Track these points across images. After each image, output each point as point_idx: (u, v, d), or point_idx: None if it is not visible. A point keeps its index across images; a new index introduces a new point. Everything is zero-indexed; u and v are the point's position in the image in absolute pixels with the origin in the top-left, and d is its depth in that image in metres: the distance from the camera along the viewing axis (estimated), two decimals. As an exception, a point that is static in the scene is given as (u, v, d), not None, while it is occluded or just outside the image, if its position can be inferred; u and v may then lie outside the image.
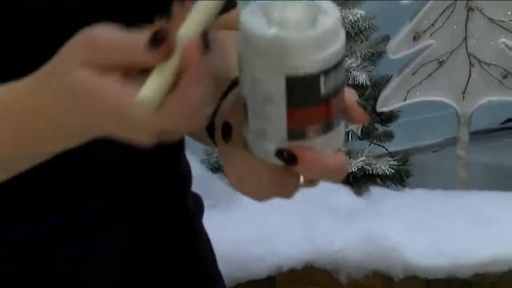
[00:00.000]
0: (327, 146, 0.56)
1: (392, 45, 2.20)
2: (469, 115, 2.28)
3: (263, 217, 2.12)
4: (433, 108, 2.38)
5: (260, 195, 0.68)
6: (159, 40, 0.54)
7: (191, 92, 0.56)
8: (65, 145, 0.66)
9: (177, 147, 1.01)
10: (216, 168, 2.27)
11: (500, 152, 2.70)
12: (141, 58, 0.55)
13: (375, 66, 2.40)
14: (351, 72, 2.13)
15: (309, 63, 0.54)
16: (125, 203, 0.92)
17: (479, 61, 2.20)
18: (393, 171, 2.28)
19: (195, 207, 1.09)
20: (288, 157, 0.59)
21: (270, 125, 0.58)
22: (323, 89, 0.55)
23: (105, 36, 0.57)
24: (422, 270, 2.12)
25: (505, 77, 2.20)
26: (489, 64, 2.21)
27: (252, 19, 0.58)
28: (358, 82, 2.27)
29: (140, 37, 0.54)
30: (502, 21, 2.16)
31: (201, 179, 2.15)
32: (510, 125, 2.81)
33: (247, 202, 2.03)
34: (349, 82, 2.32)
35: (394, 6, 2.15)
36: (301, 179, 0.62)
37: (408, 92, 2.27)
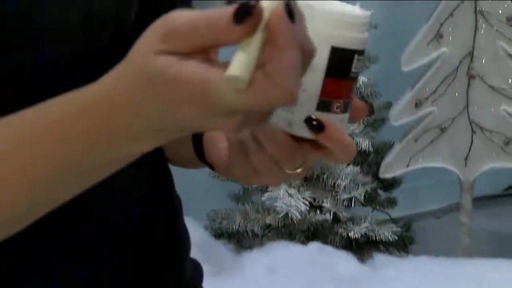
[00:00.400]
0: (341, 125, 0.59)
1: (394, 111, 2.21)
2: (472, 181, 2.29)
3: (266, 283, 2.11)
4: (435, 174, 2.38)
5: (271, 176, 0.69)
6: (243, 14, 0.52)
7: (280, 63, 0.52)
8: (145, 146, 0.62)
9: (174, 211, 0.94)
10: (219, 234, 2.23)
11: (502, 218, 2.72)
12: (225, 36, 0.53)
13: (378, 132, 2.38)
14: (353, 138, 2.11)
15: (352, 39, 0.58)
16: (119, 267, 0.85)
17: (481, 128, 2.21)
18: (396, 237, 2.28)
19: (194, 274, 1.13)
20: (317, 125, 0.61)
21: (304, 94, 0.59)
22: (353, 67, 0.59)
23: (184, 19, 0.55)
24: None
25: (507, 144, 2.27)
26: (490, 131, 2.23)
27: None
28: (361, 148, 2.27)
29: (222, 14, 0.52)
30: (503, 89, 2.15)
31: (204, 245, 2.19)
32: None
33: (250, 268, 2.02)
34: None
35: (396, 73, 2.16)
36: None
37: (410, 158, 2.28)
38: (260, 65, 0.51)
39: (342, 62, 0.60)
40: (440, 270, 2.20)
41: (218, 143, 0.78)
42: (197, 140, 0.81)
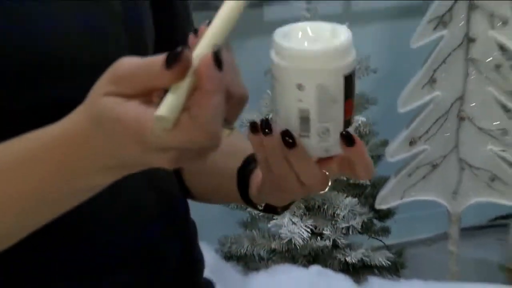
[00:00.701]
0: None
1: (390, 148, 2.27)
2: (459, 213, 2.32)
3: (270, 302, 2.22)
4: (426, 206, 2.37)
5: (298, 196, 0.83)
6: (172, 60, 0.56)
7: (203, 107, 0.56)
8: (102, 179, 0.68)
9: (190, 232, 1.06)
10: (228, 257, 2.25)
11: (488, 247, 2.66)
12: (159, 81, 0.57)
13: (375, 167, 2.37)
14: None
15: (351, 63, 0.67)
16: (133, 285, 0.94)
17: (469, 165, 2.23)
18: (389, 262, 2.26)
19: None
20: (350, 138, 0.70)
21: (333, 123, 0.70)
22: (355, 85, 0.69)
23: (125, 66, 0.59)
24: None
25: (492, 180, 2.21)
26: (478, 168, 2.23)
27: (295, 43, 0.69)
28: (359, 181, 2.28)
29: (156, 60, 0.57)
30: (491, 130, 2.19)
31: (215, 267, 2.10)
32: (497, 223, 2.74)
33: (257, 288, 1.92)
34: (351, 181, 2.32)
35: (393, 114, 2.23)
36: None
37: (404, 191, 2.28)
38: (186, 108, 0.56)
39: (351, 84, 0.69)
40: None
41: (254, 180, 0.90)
42: (242, 179, 0.91)
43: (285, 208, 0.94)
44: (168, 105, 0.56)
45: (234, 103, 0.62)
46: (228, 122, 0.64)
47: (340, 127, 0.71)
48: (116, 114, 0.59)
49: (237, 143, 0.91)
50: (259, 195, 0.90)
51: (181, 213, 1.05)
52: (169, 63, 0.56)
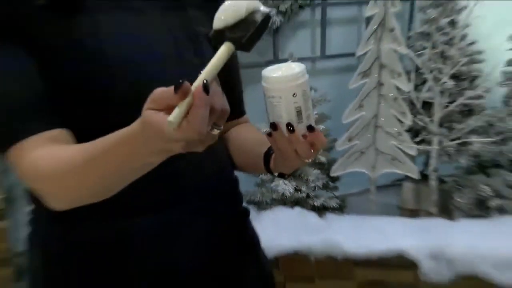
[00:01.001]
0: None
1: (338, 143, 2.75)
2: (376, 178, 2.84)
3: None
4: (358, 174, 2.83)
5: (297, 165, 0.96)
6: (178, 88, 0.70)
7: (195, 117, 0.70)
8: (153, 160, 0.82)
9: (235, 181, 1.26)
10: (249, 202, 2.64)
11: (391, 197, 3.10)
12: (172, 100, 0.70)
13: (329, 154, 2.83)
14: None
15: (307, 78, 0.85)
16: (202, 206, 1.10)
17: (381, 152, 2.72)
18: (338, 206, 2.77)
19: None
20: (312, 127, 0.87)
21: (310, 110, 0.88)
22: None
23: (158, 92, 0.73)
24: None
25: (393, 159, 2.69)
26: (385, 153, 2.72)
27: (285, 72, 0.85)
28: (321, 160, 2.74)
29: (171, 89, 0.70)
30: (392, 133, 2.65)
31: None
32: (396, 183, 3.10)
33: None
34: (316, 160, 2.70)
35: (339, 124, 2.70)
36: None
37: (346, 166, 2.76)
38: (186, 116, 0.70)
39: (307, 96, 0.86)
40: (360, 222, 2.61)
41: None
42: (266, 158, 1.06)
43: (290, 174, 1.06)
44: (175, 115, 0.69)
45: (219, 114, 0.74)
46: (218, 125, 0.76)
47: (312, 112, 0.87)
48: (149, 120, 0.72)
49: (263, 137, 0.98)
50: (275, 168, 1.04)
51: (231, 173, 1.22)
52: (176, 90, 0.69)
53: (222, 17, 0.79)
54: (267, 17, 0.80)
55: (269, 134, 0.90)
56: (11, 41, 0.90)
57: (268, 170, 1.06)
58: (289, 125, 0.87)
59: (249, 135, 1.20)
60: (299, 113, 0.86)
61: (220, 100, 0.74)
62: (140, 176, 0.85)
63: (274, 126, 0.89)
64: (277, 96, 0.84)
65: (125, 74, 0.89)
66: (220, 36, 0.77)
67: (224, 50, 0.76)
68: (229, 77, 1.09)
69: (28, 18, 0.90)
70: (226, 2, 0.80)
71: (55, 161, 0.88)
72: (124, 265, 1.01)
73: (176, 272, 1.04)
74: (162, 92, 0.73)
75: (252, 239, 1.30)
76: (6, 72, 0.91)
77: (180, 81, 0.70)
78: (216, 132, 0.75)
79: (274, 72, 0.85)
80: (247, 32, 0.77)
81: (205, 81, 0.71)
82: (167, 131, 0.72)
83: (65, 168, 0.88)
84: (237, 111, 1.27)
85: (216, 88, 0.73)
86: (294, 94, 0.84)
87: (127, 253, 1.00)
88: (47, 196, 0.91)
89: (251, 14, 0.78)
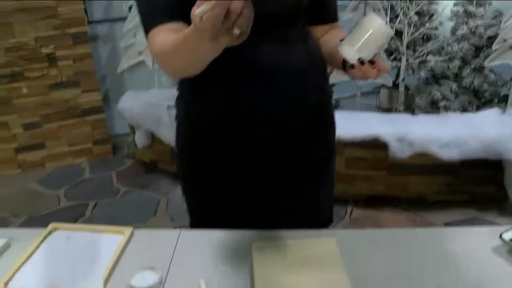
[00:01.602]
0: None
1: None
2: (361, 85, 3.42)
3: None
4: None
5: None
6: None
7: (211, 13, 0.77)
8: (209, 49, 0.91)
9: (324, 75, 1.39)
10: None
11: (371, 100, 3.44)
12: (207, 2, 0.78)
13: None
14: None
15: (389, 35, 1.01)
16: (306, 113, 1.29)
17: None
18: (335, 105, 3.05)
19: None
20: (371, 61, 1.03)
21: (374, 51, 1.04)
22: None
23: None
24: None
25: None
26: None
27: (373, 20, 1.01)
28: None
29: None
30: None
31: None
32: (375, 90, 3.42)
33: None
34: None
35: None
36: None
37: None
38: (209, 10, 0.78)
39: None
40: (349, 116, 2.87)
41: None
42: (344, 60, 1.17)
43: (352, 67, 1.15)
44: (200, 9, 0.78)
45: (237, 16, 0.80)
46: (239, 26, 0.81)
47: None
48: (192, 13, 0.82)
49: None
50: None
51: (321, 61, 1.34)
52: None
53: None
54: None
55: (352, 67, 1.07)
56: None
57: (344, 68, 1.20)
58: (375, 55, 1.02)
59: (337, 40, 1.25)
60: (379, 48, 1.00)
61: (239, 4, 0.77)
62: (213, 58, 0.96)
63: (360, 62, 1.04)
64: (375, 33, 0.99)
65: None
66: None
67: None
68: None
69: None
70: None
71: (163, 44, 1.06)
72: (240, 110, 1.21)
73: (272, 121, 1.24)
74: None
75: (332, 117, 1.44)
76: None
77: None
78: (236, 31, 0.79)
79: (379, 18, 1.00)
80: None
81: None
82: (194, 21, 0.81)
83: (165, 50, 1.05)
84: (330, 17, 1.39)
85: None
86: (384, 36, 1.00)
87: (242, 104, 1.22)
88: (162, 67, 1.08)
89: None
